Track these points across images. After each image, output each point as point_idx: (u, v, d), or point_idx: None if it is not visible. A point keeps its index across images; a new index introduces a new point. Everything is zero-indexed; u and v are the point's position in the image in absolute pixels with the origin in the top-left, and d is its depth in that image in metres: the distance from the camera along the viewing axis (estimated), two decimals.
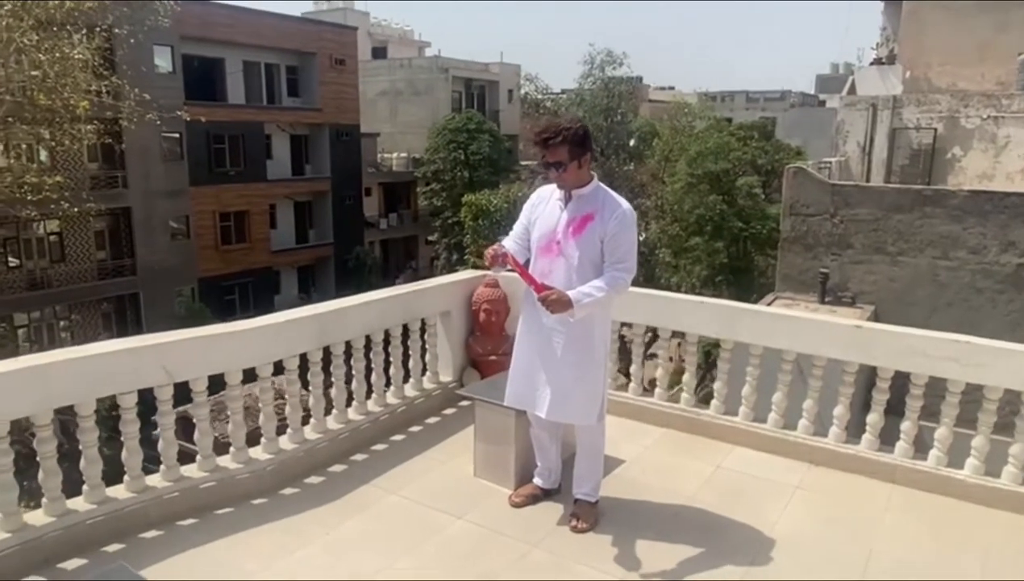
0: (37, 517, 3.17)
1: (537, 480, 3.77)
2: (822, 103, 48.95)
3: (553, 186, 3.34)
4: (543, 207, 3.36)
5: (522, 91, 41.31)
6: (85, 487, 3.31)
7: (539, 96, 41.09)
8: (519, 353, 3.45)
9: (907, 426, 4.06)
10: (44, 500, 3.20)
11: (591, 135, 3.33)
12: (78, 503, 3.28)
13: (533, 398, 3.39)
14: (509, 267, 3.22)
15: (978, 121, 11.98)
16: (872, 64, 16.71)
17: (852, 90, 15.32)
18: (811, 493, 3.92)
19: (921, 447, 4.09)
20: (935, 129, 12.20)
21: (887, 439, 4.15)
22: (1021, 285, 8.96)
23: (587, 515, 3.50)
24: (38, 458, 3.18)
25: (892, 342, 4.02)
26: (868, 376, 4.31)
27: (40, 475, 3.19)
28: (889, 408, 4.16)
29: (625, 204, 3.23)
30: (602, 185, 3.31)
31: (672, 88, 60.24)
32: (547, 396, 3.33)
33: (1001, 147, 11.85)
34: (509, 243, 3.37)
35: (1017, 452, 3.78)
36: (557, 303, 3.05)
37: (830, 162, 12.24)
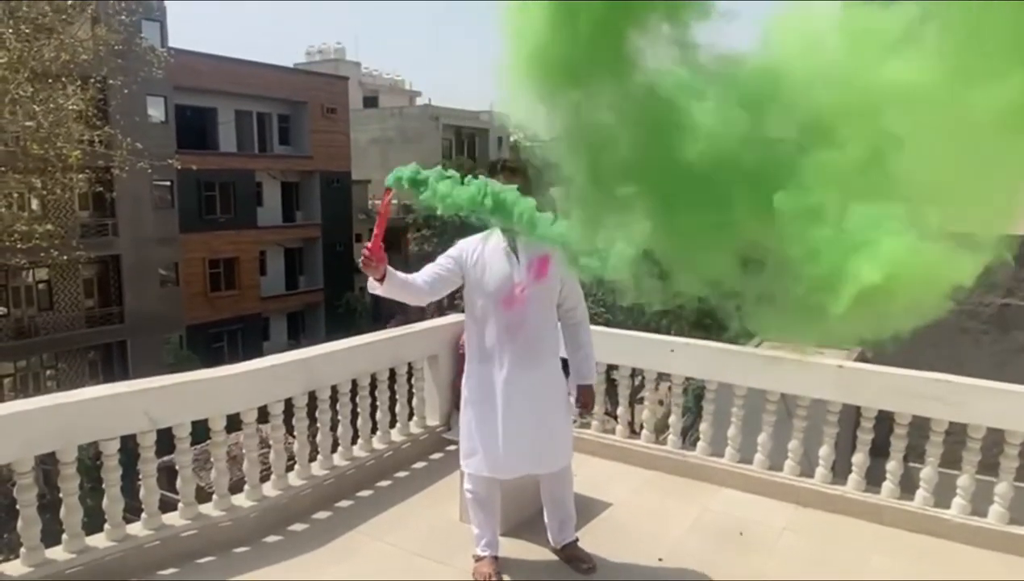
0: (15, 568, 3.11)
1: (489, 551, 3.40)
2: None
3: (479, 238, 3.29)
4: (483, 258, 3.23)
5: (512, 138, 41.86)
6: (64, 536, 3.26)
7: (529, 143, 41.57)
8: (484, 420, 3.19)
9: (893, 466, 4.07)
10: (23, 549, 3.15)
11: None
12: (57, 552, 3.23)
13: (525, 459, 3.22)
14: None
15: None
16: None
17: None
18: (798, 535, 3.91)
19: (908, 487, 4.09)
20: None
21: (874, 480, 4.15)
22: (1005, 325, 9.03)
23: (586, 554, 3.47)
24: (17, 506, 3.14)
25: (874, 381, 4.06)
26: (853, 416, 4.33)
27: (19, 524, 3.14)
28: (875, 449, 4.17)
29: None
30: None
31: None
32: (540, 451, 3.22)
33: None
34: (420, 278, 3.18)
35: (1003, 491, 3.79)
36: (591, 399, 3.56)
37: None
